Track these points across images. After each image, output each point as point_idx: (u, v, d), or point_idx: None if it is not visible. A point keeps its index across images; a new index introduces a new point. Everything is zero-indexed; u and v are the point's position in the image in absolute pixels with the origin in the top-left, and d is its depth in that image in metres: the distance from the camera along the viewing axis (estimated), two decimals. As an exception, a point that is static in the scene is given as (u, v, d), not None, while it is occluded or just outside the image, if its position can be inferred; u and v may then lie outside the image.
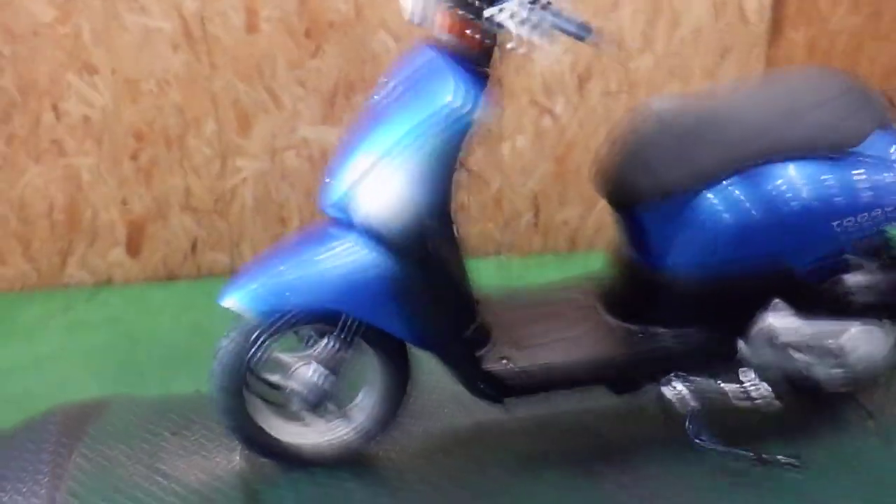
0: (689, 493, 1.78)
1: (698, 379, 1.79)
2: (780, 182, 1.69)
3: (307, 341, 1.75)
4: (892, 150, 1.74)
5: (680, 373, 1.78)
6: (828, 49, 3.08)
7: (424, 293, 1.63)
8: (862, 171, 1.71)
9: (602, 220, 3.06)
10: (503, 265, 3.06)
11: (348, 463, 1.85)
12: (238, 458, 1.87)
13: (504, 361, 1.72)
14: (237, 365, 1.69)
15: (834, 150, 1.70)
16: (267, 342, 1.70)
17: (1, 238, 2.81)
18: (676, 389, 1.77)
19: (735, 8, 2.92)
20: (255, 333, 1.69)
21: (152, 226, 2.88)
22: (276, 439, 1.79)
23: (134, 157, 2.79)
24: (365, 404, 1.82)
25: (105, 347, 2.53)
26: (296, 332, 1.75)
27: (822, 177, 1.70)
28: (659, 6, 2.88)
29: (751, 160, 1.68)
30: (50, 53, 2.63)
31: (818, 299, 1.79)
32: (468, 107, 1.55)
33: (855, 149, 1.71)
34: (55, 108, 2.69)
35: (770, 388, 1.79)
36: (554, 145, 2.98)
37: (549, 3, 1.47)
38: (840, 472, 1.84)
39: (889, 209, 1.71)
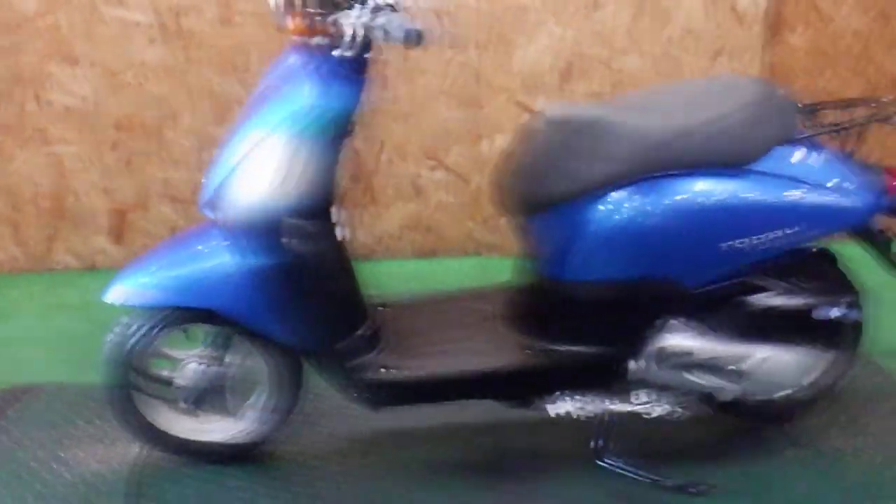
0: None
1: (586, 398, 1.71)
2: (667, 197, 1.59)
3: (206, 338, 1.76)
4: (795, 167, 1.61)
5: (567, 391, 1.70)
6: (831, 52, 2.88)
7: (291, 294, 1.61)
8: (757, 190, 1.59)
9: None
10: (482, 265, 3.00)
11: (240, 461, 1.84)
12: (137, 449, 1.89)
13: (383, 371, 1.69)
14: (120, 359, 1.72)
15: (728, 166, 1.59)
16: (148, 338, 1.71)
17: (-8, 222, 2.94)
18: (562, 408, 1.69)
19: (727, 7, 2.77)
20: (136, 328, 1.70)
21: (133, 214, 2.96)
22: (165, 433, 1.80)
23: (115, 147, 2.87)
24: (257, 404, 1.81)
25: (77, 332, 2.59)
26: (184, 331, 1.76)
27: (712, 194, 1.59)
28: (643, 3, 2.76)
29: (639, 172, 1.59)
30: (32, 45, 2.73)
31: (721, 321, 1.68)
32: (327, 106, 1.52)
33: (753, 165, 1.59)
34: (38, 97, 2.79)
35: (671, 408, 1.71)
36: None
37: (386, 6, 1.44)
38: (748, 499, 1.75)
39: (792, 231, 1.59)
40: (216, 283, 1.60)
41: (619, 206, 1.58)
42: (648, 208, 1.58)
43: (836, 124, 1.71)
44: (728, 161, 1.59)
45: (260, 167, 1.55)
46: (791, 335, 1.71)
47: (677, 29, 2.80)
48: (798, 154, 1.64)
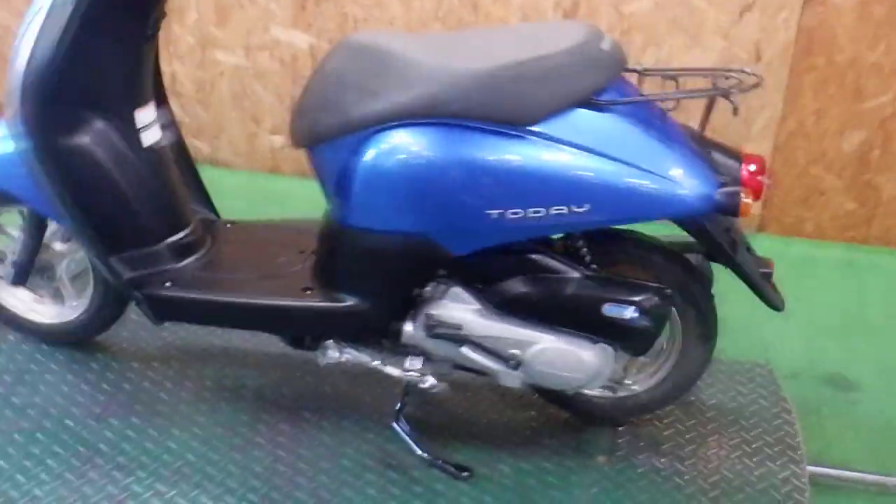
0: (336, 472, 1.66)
1: (356, 353, 1.63)
2: (431, 148, 1.39)
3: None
4: (598, 136, 1.38)
5: (339, 341, 1.61)
6: (889, 21, 2.40)
7: (62, 187, 1.58)
8: (536, 155, 1.37)
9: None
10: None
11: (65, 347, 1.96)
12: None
13: (168, 285, 1.67)
14: None
15: (510, 122, 1.37)
16: None
17: None
18: (331, 357, 1.61)
19: (759, -46, 2.38)
20: None
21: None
22: (12, 312, 1.91)
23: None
24: (84, 297, 1.86)
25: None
26: (21, 212, 1.83)
27: (480, 152, 1.38)
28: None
29: (409, 114, 1.40)
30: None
31: (501, 299, 1.52)
32: None
33: (542, 126, 1.37)
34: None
35: (438, 381, 1.60)
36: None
37: None
38: (514, 495, 1.63)
39: (581, 210, 1.37)
40: (4, 163, 1.62)
41: (383, 149, 1.41)
42: (411, 157, 1.40)
43: (668, 93, 1.44)
44: (510, 117, 1.38)
45: (31, 37, 1.49)
46: (581, 327, 1.52)
47: (701, -26, 2.45)
48: (606, 122, 1.39)
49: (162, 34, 1.76)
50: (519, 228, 1.40)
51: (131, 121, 1.65)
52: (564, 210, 1.37)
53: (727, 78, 1.44)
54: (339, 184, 1.47)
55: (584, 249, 1.52)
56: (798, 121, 2.59)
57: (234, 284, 1.67)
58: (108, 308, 1.86)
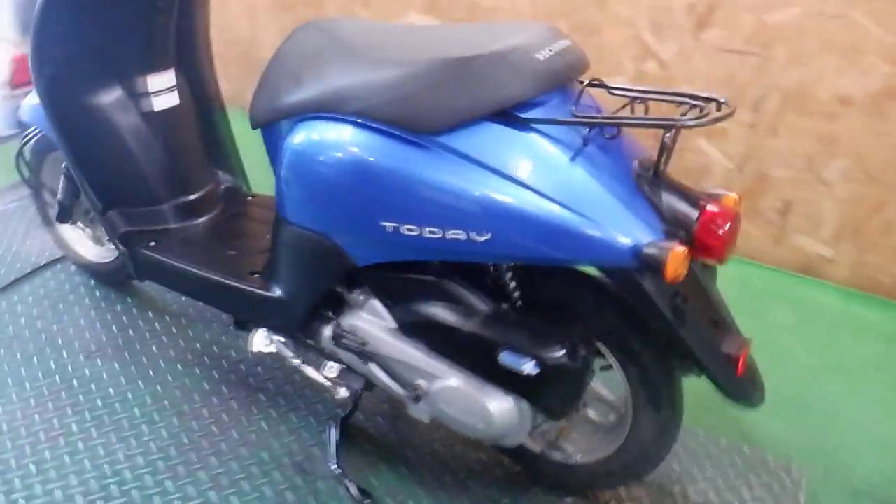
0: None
1: (282, 346, 1.54)
2: (334, 145, 1.25)
3: None
4: (512, 156, 1.14)
5: (270, 331, 1.54)
6: None
7: (67, 135, 1.67)
8: (429, 169, 1.17)
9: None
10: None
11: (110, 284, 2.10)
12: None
13: (152, 245, 1.70)
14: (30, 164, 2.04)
15: (408, 130, 1.19)
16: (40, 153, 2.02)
17: None
18: (256, 343, 1.54)
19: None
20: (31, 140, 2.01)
21: None
22: (68, 245, 2.11)
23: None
24: None
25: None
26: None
27: (376, 158, 1.21)
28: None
29: (320, 107, 1.27)
30: None
31: (409, 321, 1.35)
32: None
33: (445, 139, 1.17)
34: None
35: (348, 393, 1.48)
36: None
37: None
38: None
39: (482, 238, 1.15)
40: (39, 107, 1.73)
41: (297, 140, 1.29)
42: (317, 152, 1.27)
43: (605, 117, 1.16)
44: (411, 123, 1.18)
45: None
46: (480, 372, 1.30)
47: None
48: (520, 141, 1.15)
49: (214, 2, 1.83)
50: (418, 247, 1.22)
51: (142, 85, 1.72)
52: (462, 236, 1.16)
53: (693, 106, 1.13)
54: (273, 170, 1.40)
55: (513, 284, 1.29)
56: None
57: (202, 256, 1.66)
58: None
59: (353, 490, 1.50)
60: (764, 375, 1.28)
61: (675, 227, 1.12)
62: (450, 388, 1.32)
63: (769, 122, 2.22)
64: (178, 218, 1.77)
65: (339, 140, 1.25)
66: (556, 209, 1.12)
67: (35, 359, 1.87)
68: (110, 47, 1.66)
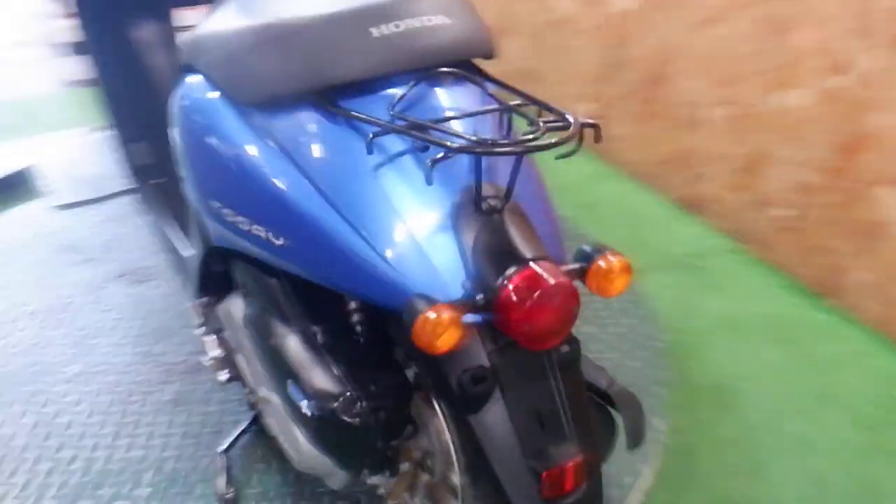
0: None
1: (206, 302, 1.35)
2: (185, 101, 1.09)
3: None
4: (305, 146, 0.91)
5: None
6: None
7: (95, 64, 1.69)
8: (243, 146, 0.97)
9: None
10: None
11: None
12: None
13: (163, 181, 1.71)
14: None
15: (232, 97, 0.99)
16: None
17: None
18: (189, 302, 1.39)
19: None
20: None
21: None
22: None
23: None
24: None
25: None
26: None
27: (206, 122, 1.03)
28: None
29: (190, 61, 1.10)
30: None
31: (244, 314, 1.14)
32: None
33: (256, 112, 0.96)
34: None
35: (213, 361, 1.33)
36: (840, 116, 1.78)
37: None
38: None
39: (278, 243, 0.92)
40: None
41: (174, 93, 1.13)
42: (176, 107, 1.11)
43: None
44: (231, 89, 0.99)
45: None
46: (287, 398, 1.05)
47: None
48: (331, 134, 0.91)
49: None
50: (236, 236, 0.99)
51: (168, 20, 1.73)
52: (262, 234, 0.94)
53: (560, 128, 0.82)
54: None
55: (357, 315, 1.02)
56: None
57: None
58: None
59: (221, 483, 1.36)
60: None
61: (477, 283, 0.81)
62: (273, 404, 1.11)
63: None
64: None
65: (189, 97, 1.08)
66: (345, 229, 0.87)
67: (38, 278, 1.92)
68: None
